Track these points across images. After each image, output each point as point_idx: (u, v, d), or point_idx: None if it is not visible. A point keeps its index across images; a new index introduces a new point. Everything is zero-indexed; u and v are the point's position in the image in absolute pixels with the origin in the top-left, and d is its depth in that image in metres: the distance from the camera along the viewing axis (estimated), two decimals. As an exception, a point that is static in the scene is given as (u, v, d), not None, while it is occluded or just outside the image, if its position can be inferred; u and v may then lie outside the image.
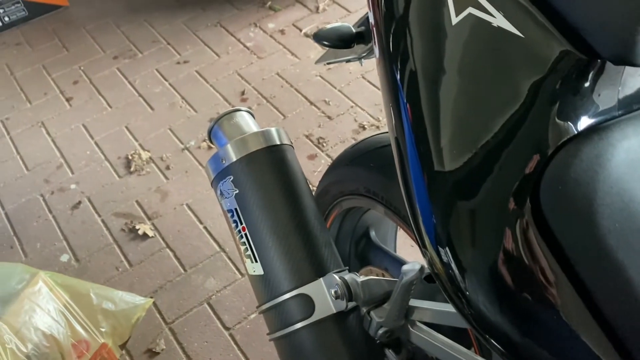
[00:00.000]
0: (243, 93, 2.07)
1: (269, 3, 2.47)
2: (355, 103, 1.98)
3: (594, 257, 0.41)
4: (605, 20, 0.41)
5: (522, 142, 0.47)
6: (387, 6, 0.56)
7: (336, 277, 0.66)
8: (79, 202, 1.79)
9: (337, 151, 1.82)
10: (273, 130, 0.75)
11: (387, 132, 0.66)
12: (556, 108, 0.45)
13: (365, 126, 1.89)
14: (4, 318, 1.21)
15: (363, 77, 2.06)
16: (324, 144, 1.86)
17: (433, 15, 0.52)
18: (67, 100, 2.16)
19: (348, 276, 0.66)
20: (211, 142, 0.81)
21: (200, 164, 1.85)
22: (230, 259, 1.58)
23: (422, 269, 0.61)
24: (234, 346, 1.40)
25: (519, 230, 0.46)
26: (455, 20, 0.50)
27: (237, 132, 0.76)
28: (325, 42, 0.78)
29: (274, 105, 2.01)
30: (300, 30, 2.32)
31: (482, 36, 0.48)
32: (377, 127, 1.88)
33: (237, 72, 2.17)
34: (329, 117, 1.94)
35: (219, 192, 0.75)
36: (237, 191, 0.72)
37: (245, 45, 2.29)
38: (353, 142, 1.84)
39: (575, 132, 0.45)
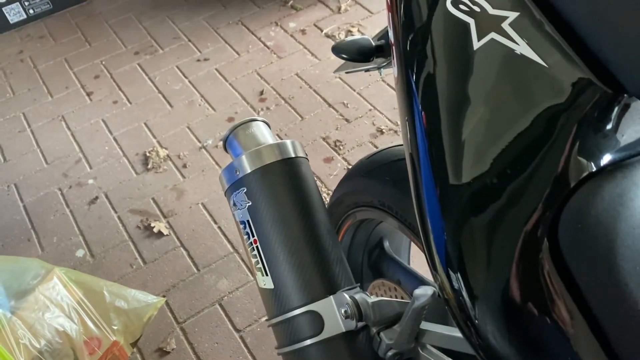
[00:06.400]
0: (262, 93, 2.07)
1: (291, 2, 2.46)
2: (374, 106, 1.96)
3: (612, 300, 0.40)
4: (634, 56, 0.39)
5: (541, 173, 0.45)
6: (407, 26, 0.55)
7: (346, 296, 0.65)
8: (96, 198, 1.80)
9: (353, 155, 1.81)
10: (288, 142, 0.74)
11: (402, 145, 0.65)
12: (578, 141, 0.44)
13: (384, 130, 1.88)
14: (18, 313, 1.23)
15: (383, 80, 2.05)
16: (341, 147, 1.85)
17: (454, 38, 0.50)
18: (88, 94, 2.18)
19: (359, 295, 0.66)
20: (226, 150, 0.80)
21: (217, 164, 1.86)
22: (243, 260, 1.59)
23: (434, 294, 0.59)
24: (244, 349, 1.40)
25: (534, 265, 0.45)
26: (477, 44, 0.48)
27: (252, 143, 0.75)
28: (344, 56, 0.77)
29: (292, 106, 2.01)
30: (321, 31, 2.31)
31: (504, 63, 0.47)
32: (395, 132, 1.87)
33: (256, 71, 2.17)
34: (347, 120, 1.93)
35: (232, 202, 0.75)
36: (250, 203, 0.71)
37: (265, 44, 2.28)
38: (370, 146, 1.84)
39: (597, 168, 0.43)
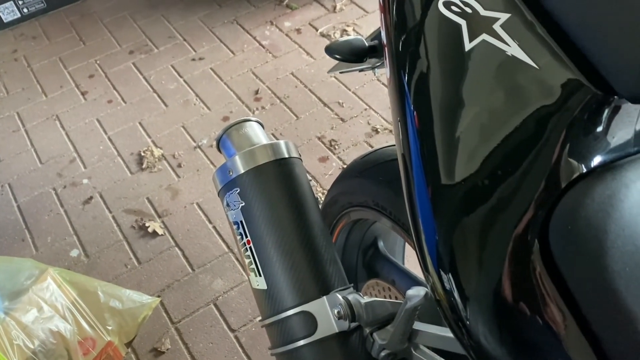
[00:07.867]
0: (257, 92, 2.07)
1: (286, 1, 2.46)
2: (369, 106, 1.97)
3: (601, 301, 0.40)
4: (625, 59, 0.39)
5: (531, 174, 0.45)
6: (399, 27, 0.55)
7: (340, 296, 0.65)
8: (91, 197, 1.80)
9: (349, 154, 1.81)
10: (282, 143, 0.74)
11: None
12: (568, 143, 0.44)
13: (379, 130, 1.88)
14: (12, 314, 1.22)
15: (378, 80, 2.05)
16: (336, 147, 1.85)
17: (446, 39, 0.50)
18: (83, 94, 2.17)
19: (352, 296, 0.66)
20: (219, 151, 0.80)
21: (212, 163, 1.85)
22: (238, 260, 1.58)
23: (426, 294, 0.60)
24: (239, 348, 1.40)
25: (525, 266, 0.45)
26: (468, 46, 0.48)
27: (246, 144, 0.75)
28: (338, 56, 0.77)
29: (287, 106, 2.01)
30: (317, 30, 2.31)
31: (495, 64, 0.47)
32: (390, 131, 1.87)
33: (251, 70, 2.16)
34: (342, 119, 1.93)
35: (225, 203, 0.74)
36: (243, 204, 0.71)
37: (260, 44, 2.28)
38: (366, 145, 1.84)
39: (588, 170, 0.43)
